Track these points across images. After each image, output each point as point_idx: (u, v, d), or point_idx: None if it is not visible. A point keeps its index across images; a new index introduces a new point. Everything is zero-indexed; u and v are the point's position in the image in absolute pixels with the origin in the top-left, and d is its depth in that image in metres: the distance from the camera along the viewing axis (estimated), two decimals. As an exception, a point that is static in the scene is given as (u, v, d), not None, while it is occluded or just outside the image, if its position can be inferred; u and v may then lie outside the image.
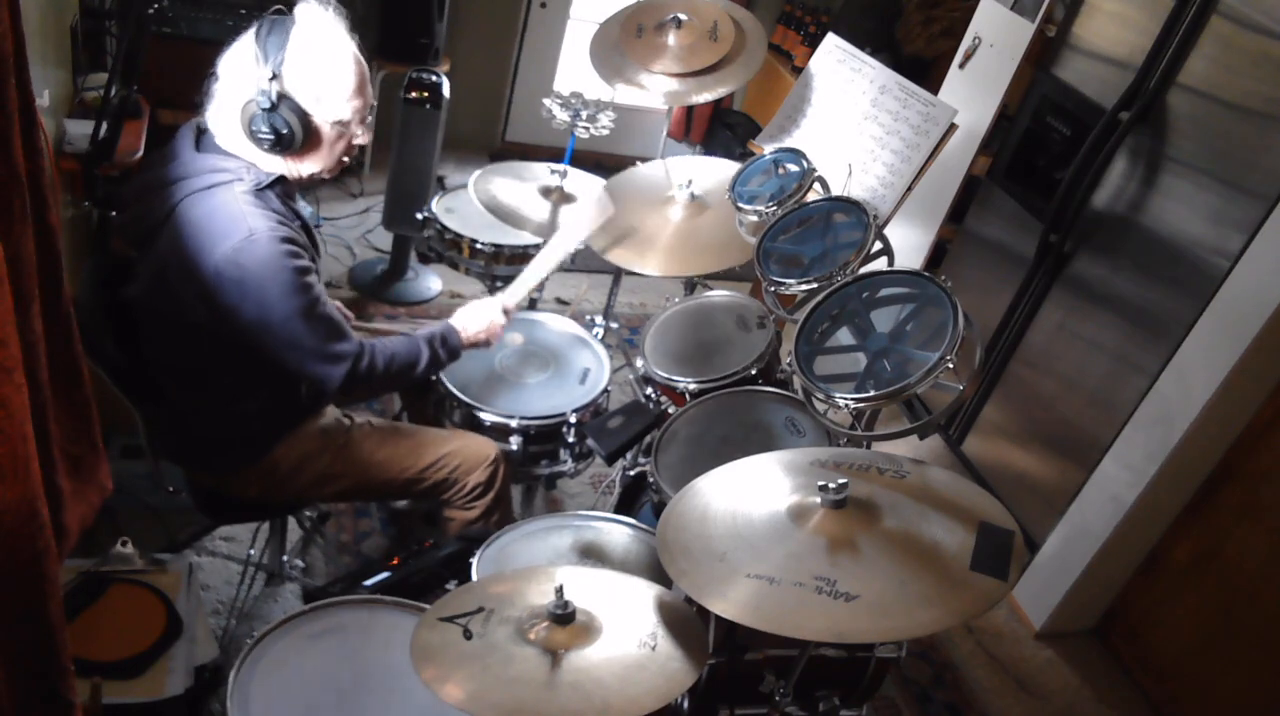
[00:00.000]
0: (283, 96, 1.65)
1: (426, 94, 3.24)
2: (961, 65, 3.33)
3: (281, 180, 1.75)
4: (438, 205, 2.82)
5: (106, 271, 1.88)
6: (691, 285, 2.69)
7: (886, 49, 4.13)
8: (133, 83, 2.47)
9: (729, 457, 1.59)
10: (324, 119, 1.71)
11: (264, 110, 1.64)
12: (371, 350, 1.82)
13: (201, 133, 1.75)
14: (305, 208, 2.03)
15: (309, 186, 1.85)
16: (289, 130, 1.67)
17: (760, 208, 2.19)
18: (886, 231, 2.11)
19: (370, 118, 1.80)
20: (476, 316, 2.05)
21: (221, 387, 1.83)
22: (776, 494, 1.45)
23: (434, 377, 2.19)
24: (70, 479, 1.26)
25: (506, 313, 2.10)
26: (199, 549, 2.39)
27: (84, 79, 2.76)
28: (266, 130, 1.66)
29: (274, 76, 1.64)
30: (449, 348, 1.97)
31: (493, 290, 2.89)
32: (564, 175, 2.70)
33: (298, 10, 1.68)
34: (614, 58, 2.77)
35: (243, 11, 3.22)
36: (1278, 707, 2.42)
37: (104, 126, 2.35)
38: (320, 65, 1.68)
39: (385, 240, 3.82)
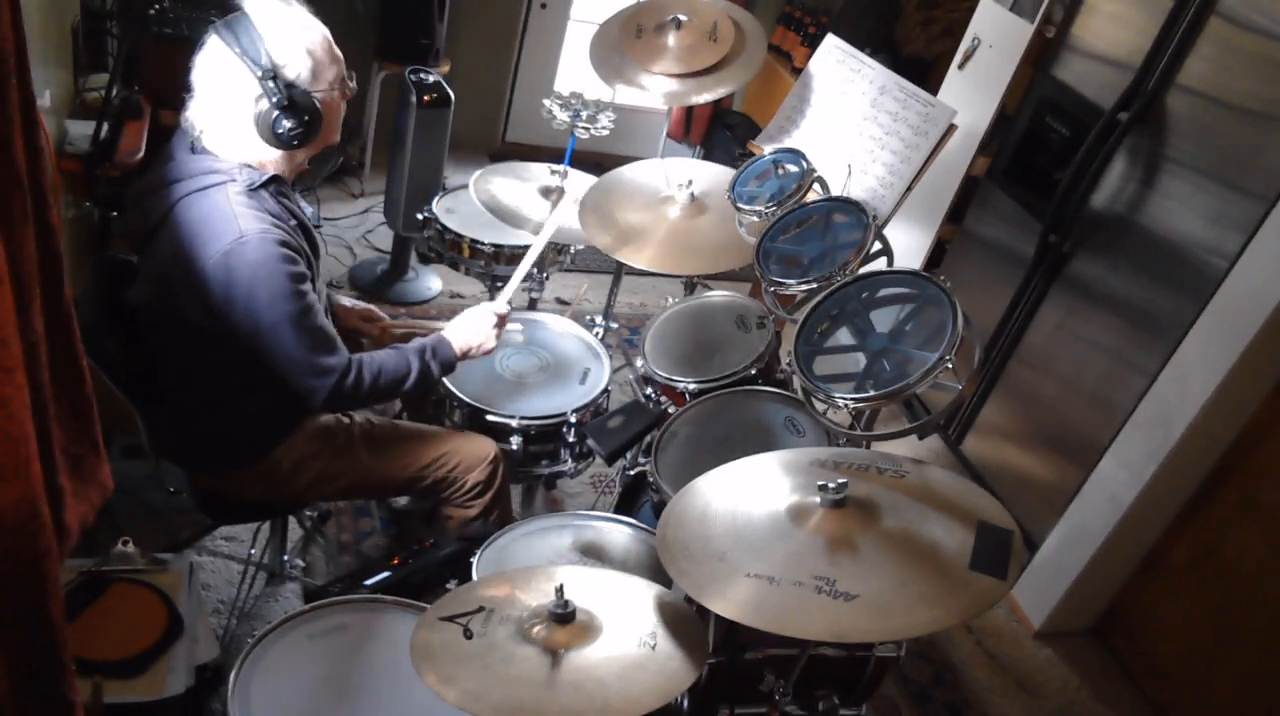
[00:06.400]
0: (290, 87, 1.65)
1: (435, 95, 3.24)
2: (961, 66, 3.33)
3: (275, 179, 1.75)
4: (438, 205, 2.82)
5: (108, 271, 1.88)
6: (691, 285, 2.69)
7: (886, 49, 4.12)
8: (134, 83, 2.47)
9: (729, 457, 1.59)
10: (324, 91, 1.71)
11: (282, 110, 1.63)
12: (359, 365, 1.80)
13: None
14: (306, 208, 2.01)
15: (302, 178, 1.82)
16: (309, 117, 1.66)
17: (760, 208, 2.19)
18: (886, 231, 2.11)
19: (352, 80, 1.79)
20: (468, 326, 2.00)
21: (221, 388, 1.83)
22: (776, 494, 1.45)
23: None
24: (71, 479, 1.26)
25: (501, 318, 2.05)
26: (200, 548, 2.39)
27: (85, 80, 2.76)
28: (293, 126, 1.64)
29: (273, 76, 1.62)
30: (440, 359, 1.92)
31: (493, 290, 2.89)
32: (564, 175, 2.70)
33: (246, 4, 1.65)
34: (614, 58, 2.78)
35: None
36: (1277, 707, 2.42)
37: (105, 127, 2.35)
38: (300, 42, 1.66)
39: (385, 240, 3.83)
